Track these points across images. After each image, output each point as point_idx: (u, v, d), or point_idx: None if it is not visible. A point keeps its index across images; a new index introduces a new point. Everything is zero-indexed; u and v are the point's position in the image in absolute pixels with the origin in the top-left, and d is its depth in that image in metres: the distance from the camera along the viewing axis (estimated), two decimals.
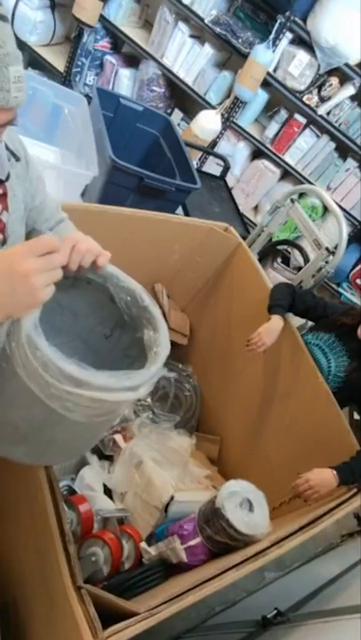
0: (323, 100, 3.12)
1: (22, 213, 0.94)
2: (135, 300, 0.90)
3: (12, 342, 0.76)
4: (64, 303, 0.97)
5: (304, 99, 3.11)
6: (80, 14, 3.02)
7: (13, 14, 3.06)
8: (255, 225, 3.13)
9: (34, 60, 3.44)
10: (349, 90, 3.07)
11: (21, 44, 3.27)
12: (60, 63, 3.40)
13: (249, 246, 2.43)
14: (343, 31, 2.78)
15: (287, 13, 2.86)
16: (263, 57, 2.92)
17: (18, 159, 0.90)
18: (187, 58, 3.23)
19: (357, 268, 3.60)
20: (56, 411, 0.78)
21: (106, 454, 1.69)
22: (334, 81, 3.06)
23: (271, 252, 3.17)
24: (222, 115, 3.20)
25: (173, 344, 2.14)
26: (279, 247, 3.25)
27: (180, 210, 2.40)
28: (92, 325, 1.01)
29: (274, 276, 3.07)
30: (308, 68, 3.00)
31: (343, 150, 3.36)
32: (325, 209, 3.48)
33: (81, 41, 3.28)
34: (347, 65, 2.94)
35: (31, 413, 0.82)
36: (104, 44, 3.41)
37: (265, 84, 3.15)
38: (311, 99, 3.11)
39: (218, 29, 3.02)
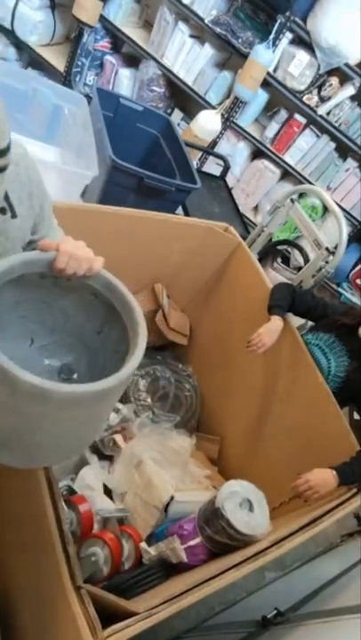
0: (323, 99, 3.12)
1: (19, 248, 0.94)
2: (114, 291, 0.93)
3: None
4: (50, 302, 0.98)
5: (304, 99, 3.11)
6: (80, 14, 3.02)
7: (13, 14, 3.06)
8: (255, 225, 3.13)
9: (34, 60, 3.44)
10: (349, 90, 3.07)
11: (21, 44, 3.28)
12: (60, 63, 3.40)
13: (249, 246, 2.43)
14: (343, 31, 2.78)
15: (287, 13, 2.86)
16: (263, 57, 2.92)
17: (14, 216, 0.87)
18: (187, 58, 3.23)
19: (357, 268, 3.59)
20: (30, 417, 0.78)
21: (106, 454, 1.69)
22: (334, 81, 3.06)
23: (271, 252, 3.17)
24: (222, 115, 3.19)
25: (173, 344, 2.14)
26: (279, 247, 3.25)
27: (180, 210, 2.40)
28: (82, 322, 1.02)
29: (274, 276, 3.07)
30: (308, 68, 3.00)
31: (343, 150, 3.36)
32: (325, 209, 3.48)
33: (81, 41, 3.27)
34: (347, 65, 2.94)
35: (4, 421, 0.81)
36: (104, 43, 3.41)
37: (265, 84, 3.15)
38: (311, 99, 3.11)
39: (218, 29, 3.02)
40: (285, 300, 1.74)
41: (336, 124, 3.18)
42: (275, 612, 1.34)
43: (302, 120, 3.26)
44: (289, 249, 3.26)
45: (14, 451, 0.88)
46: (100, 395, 0.79)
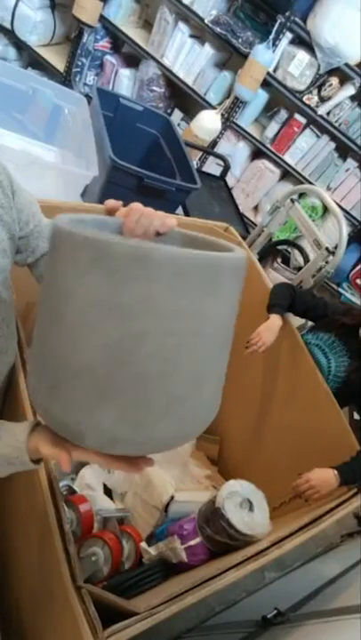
0: (323, 100, 3.12)
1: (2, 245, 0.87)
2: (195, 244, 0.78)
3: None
4: None
5: (304, 99, 3.11)
6: (80, 14, 3.02)
7: (13, 14, 3.06)
8: (255, 225, 3.13)
9: (34, 60, 3.44)
10: (349, 90, 3.07)
11: (21, 44, 3.28)
12: (60, 63, 3.41)
13: (249, 246, 2.43)
14: (343, 31, 2.78)
15: (287, 13, 2.86)
16: (263, 57, 2.92)
17: None
18: (187, 58, 3.23)
19: (357, 268, 3.60)
20: (132, 312, 0.57)
21: None
22: (334, 81, 3.06)
23: (271, 252, 3.17)
24: (222, 115, 3.20)
25: None
26: (279, 247, 3.25)
27: (180, 210, 2.40)
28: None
29: (274, 275, 3.07)
30: (308, 68, 3.01)
31: (343, 150, 3.36)
32: (325, 209, 3.49)
33: (81, 41, 3.28)
34: (347, 65, 2.95)
35: (103, 334, 0.59)
36: (104, 43, 3.41)
37: (265, 84, 3.15)
38: (311, 99, 3.11)
39: (218, 29, 3.02)
40: (285, 300, 1.75)
41: (336, 124, 3.18)
42: (275, 612, 1.33)
43: (302, 120, 3.27)
44: (289, 249, 3.27)
45: (121, 399, 0.60)
46: (210, 269, 0.60)
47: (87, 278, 0.58)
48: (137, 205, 0.79)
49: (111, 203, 0.81)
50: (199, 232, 0.85)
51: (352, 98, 3.12)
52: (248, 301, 2.01)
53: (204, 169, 3.39)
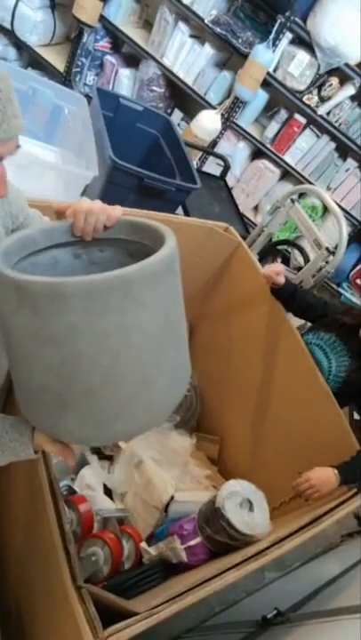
0: (323, 100, 3.12)
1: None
2: (142, 230, 0.86)
3: None
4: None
5: (304, 99, 3.11)
6: (80, 14, 3.02)
7: (13, 14, 3.06)
8: (255, 225, 3.12)
9: (34, 60, 3.44)
10: (349, 90, 3.07)
11: (21, 44, 3.28)
12: (60, 63, 3.40)
13: (249, 246, 2.42)
14: (343, 31, 2.78)
15: (287, 13, 2.86)
16: (263, 57, 2.92)
17: None
18: (187, 58, 3.23)
19: (357, 268, 3.60)
20: (61, 339, 0.66)
21: (106, 454, 1.69)
22: (334, 81, 3.06)
23: (271, 252, 3.17)
24: (222, 115, 3.19)
25: None
26: (279, 247, 3.25)
27: (180, 210, 2.40)
28: None
29: None
30: (308, 68, 3.00)
31: (343, 150, 3.36)
32: (325, 209, 3.48)
33: (81, 41, 3.27)
34: (347, 65, 2.94)
35: (46, 360, 0.69)
36: (104, 44, 3.41)
37: (265, 84, 3.15)
38: (311, 99, 3.11)
39: (218, 29, 3.02)
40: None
41: (336, 124, 3.18)
42: (275, 612, 1.34)
43: (302, 120, 3.26)
44: (289, 249, 3.26)
45: (75, 408, 0.72)
46: (120, 286, 0.66)
47: (19, 316, 0.67)
48: (82, 205, 0.84)
49: (59, 205, 0.86)
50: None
51: (352, 98, 3.12)
52: (248, 301, 2.02)
53: (204, 169, 3.39)
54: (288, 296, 1.78)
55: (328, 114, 3.17)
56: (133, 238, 0.87)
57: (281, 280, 1.74)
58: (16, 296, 0.66)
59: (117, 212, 0.85)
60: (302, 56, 2.97)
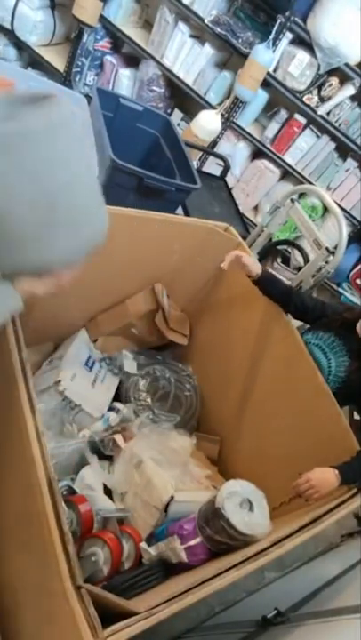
0: (323, 100, 3.12)
1: None
2: None
3: None
4: None
5: (304, 99, 3.11)
6: (80, 14, 3.02)
7: (13, 14, 3.06)
8: (255, 225, 3.12)
9: (34, 60, 3.45)
10: (349, 90, 3.07)
11: (21, 44, 3.28)
12: (60, 63, 3.41)
13: (249, 246, 2.43)
14: (343, 31, 2.78)
15: (287, 13, 2.86)
16: (263, 57, 2.92)
17: None
18: (187, 58, 3.23)
19: (357, 268, 3.60)
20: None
21: (106, 454, 1.69)
22: (334, 81, 3.06)
23: (271, 252, 3.17)
24: (222, 115, 3.20)
25: (173, 344, 2.14)
26: (279, 247, 3.25)
27: (180, 210, 2.40)
28: None
29: None
30: (308, 68, 3.01)
31: (343, 150, 3.36)
32: (325, 209, 3.48)
33: (81, 41, 3.28)
34: (347, 65, 2.95)
35: (25, 196, 0.75)
36: (104, 44, 3.41)
37: (265, 84, 3.15)
38: (311, 99, 3.11)
39: (218, 29, 3.02)
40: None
41: (336, 124, 3.18)
42: (275, 612, 1.34)
43: (302, 120, 3.27)
44: (289, 249, 3.26)
45: (59, 224, 0.81)
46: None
47: None
48: None
49: None
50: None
51: (352, 98, 3.12)
52: (248, 301, 2.01)
53: (204, 169, 3.39)
54: (281, 295, 1.77)
55: (328, 114, 3.17)
56: None
57: (252, 269, 1.70)
58: None
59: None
60: (302, 56, 2.97)
